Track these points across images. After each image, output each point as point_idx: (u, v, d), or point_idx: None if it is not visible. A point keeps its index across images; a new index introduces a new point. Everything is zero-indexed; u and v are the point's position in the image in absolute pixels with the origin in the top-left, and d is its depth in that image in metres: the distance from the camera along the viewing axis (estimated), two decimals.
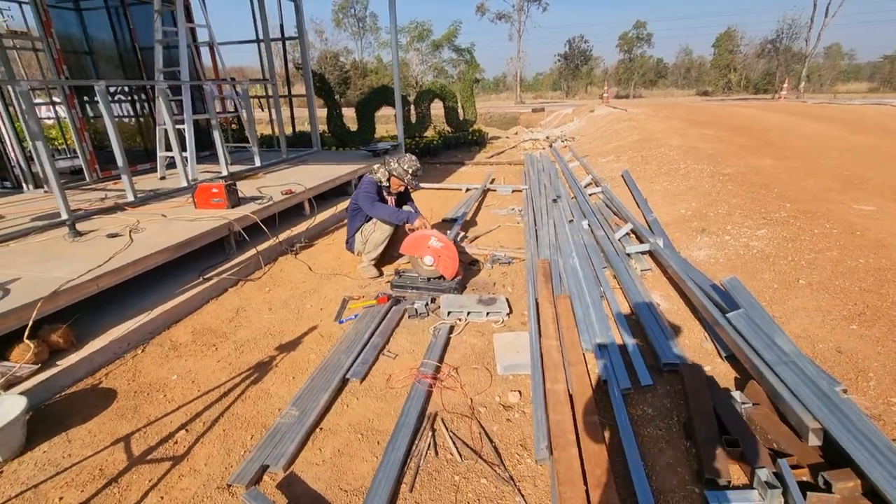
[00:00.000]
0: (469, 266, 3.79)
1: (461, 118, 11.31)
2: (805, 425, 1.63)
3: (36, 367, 2.27)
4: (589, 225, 4.58)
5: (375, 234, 3.47)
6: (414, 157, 3.44)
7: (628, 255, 3.81)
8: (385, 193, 3.57)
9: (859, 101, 21.02)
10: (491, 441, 1.96)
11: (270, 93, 7.28)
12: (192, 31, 6.47)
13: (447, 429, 2.01)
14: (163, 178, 5.73)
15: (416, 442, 1.93)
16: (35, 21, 5.29)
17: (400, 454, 1.82)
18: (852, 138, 7.84)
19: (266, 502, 1.60)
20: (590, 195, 5.90)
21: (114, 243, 3.26)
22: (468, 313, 2.94)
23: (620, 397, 2.10)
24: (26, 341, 2.25)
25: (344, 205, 5.04)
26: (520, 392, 2.24)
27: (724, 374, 2.31)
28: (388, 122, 14.15)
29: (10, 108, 5.06)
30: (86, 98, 6.02)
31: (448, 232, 4.38)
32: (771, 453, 1.69)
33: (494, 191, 6.61)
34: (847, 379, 2.08)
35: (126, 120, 7.20)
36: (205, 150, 7.31)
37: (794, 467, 1.59)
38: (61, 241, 3.37)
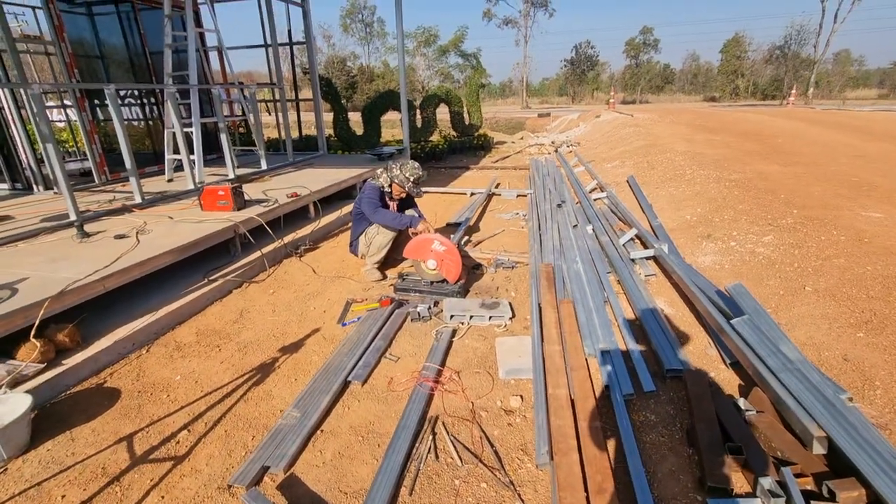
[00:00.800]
0: (472, 270, 3.79)
1: (467, 123, 11.34)
2: (809, 433, 1.62)
3: (42, 365, 2.30)
4: (593, 230, 4.56)
5: (378, 237, 3.49)
6: (417, 165, 3.45)
7: (633, 260, 3.79)
8: (387, 199, 3.58)
9: (868, 107, 20.88)
10: (492, 445, 1.95)
11: (277, 97, 7.35)
12: (201, 36, 6.56)
13: (448, 432, 2.01)
14: (170, 180, 5.79)
15: (417, 445, 1.93)
16: (48, 26, 5.39)
17: (400, 457, 1.82)
18: (861, 145, 7.78)
19: (266, 503, 1.60)
20: (595, 200, 5.89)
21: (121, 244, 3.29)
22: (471, 317, 2.93)
23: (623, 403, 2.09)
24: (33, 340, 2.27)
25: (348, 208, 5.06)
26: (521, 397, 2.23)
27: (728, 380, 2.29)
28: (394, 126, 14.21)
29: (23, 111, 5.14)
30: (96, 101, 6.10)
31: (451, 236, 4.38)
32: (774, 461, 1.67)
33: (499, 195, 6.62)
34: (853, 387, 2.05)
35: (135, 123, 7.29)
36: (212, 152, 7.37)
37: (797, 476, 1.57)
38: (69, 242, 3.41)
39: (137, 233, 3.57)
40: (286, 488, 1.74)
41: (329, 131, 9.55)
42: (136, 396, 2.28)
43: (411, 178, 3.41)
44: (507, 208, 5.96)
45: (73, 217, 3.71)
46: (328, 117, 9.45)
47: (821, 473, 1.60)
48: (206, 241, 3.60)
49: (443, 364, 2.50)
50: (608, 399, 2.16)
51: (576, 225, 4.71)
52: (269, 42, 7.21)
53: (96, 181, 5.70)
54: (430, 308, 3.04)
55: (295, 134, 9.23)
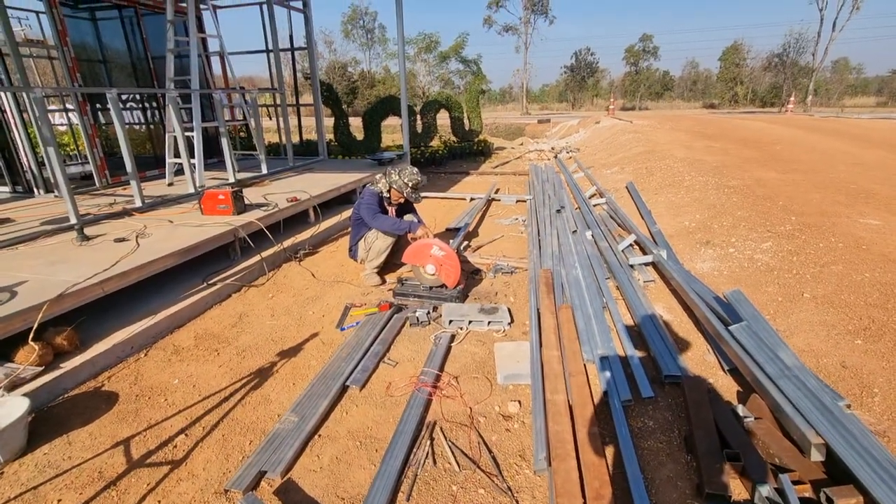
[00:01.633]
0: (471, 275, 3.79)
1: (467, 128, 11.38)
2: (807, 440, 1.61)
3: (40, 369, 2.29)
4: (592, 236, 4.58)
5: (378, 242, 3.49)
6: (416, 170, 3.47)
7: (631, 266, 3.80)
8: (386, 204, 3.60)
9: (867, 115, 20.96)
10: (490, 451, 1.95)
11: (278, 102, 7.38)
12: (204, 41, 6.58)
13: (446, 438, 2.01)
14: (171, 184, 5.80)
15: (415, 451, 1.93)
16: (51, 30, 5.41)
17: (398, 463, 1.81)
18: (859, 152, 7.81)
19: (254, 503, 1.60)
20: (594, 206, 5.90)
21: (120, 248, 3.30)
22: (470, 322, 2.94)
23: (621, 409, 2.09)
24: (31, 343, 2.27)
25: (348, 212, 5.06)
26: (519, 402, 2.23)
27: (726, 387, 2.29)
28: (394, 131, 14.25)
29: (25, 115, 5.15)
30: (98, 105, 6.13)
31: (451, 241, 4.39)
32: (773, 468, 1.67)
33: (499, 201, 6.63)
34: (851, 394, 2.05)
35: (137, 127, 7.32)
36: (213, 157, 7.40)
37: (795, 483, 1.57)
38: (69, 245, 3.41)
39: (137, 236, 3.57)
40: (283, 493, 1.73)
41: (330, 136, 9.58)
42: (133, 400, 2.28)
43: (410, 184, 3.42)
44: (506, 214, 5.97)
45: (73, 220, 3.72)
46: (329, 122, 9.49)
47: (819, 481, 1.60)
48: (206, 244, 3.61)
49: (441, 369, 2.50)
50: (606, 405, 2.16)
51: (575, 231, 4.72)
52: (270, 47, 7.25)
53: (97, 185, 5.71)
54: (428, 313, 3.04)
55: (296, 139, 9.25)
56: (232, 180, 5.70)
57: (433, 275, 3.28)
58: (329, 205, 5.58)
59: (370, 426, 2.09)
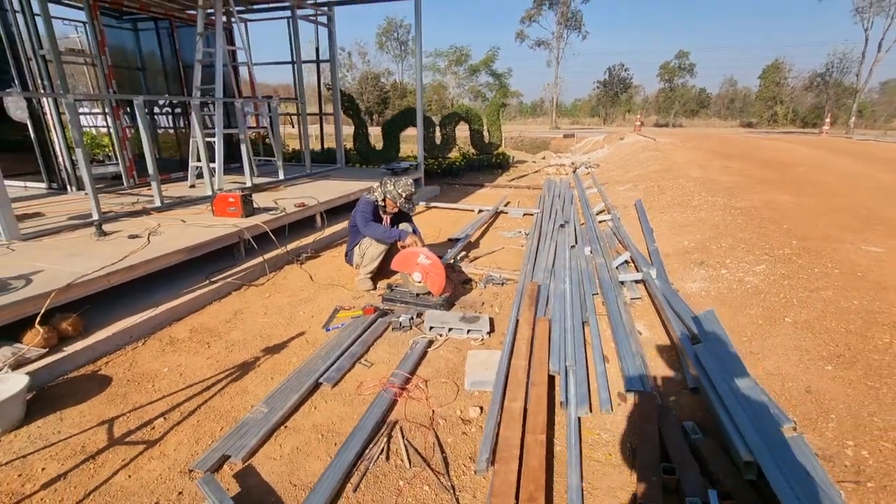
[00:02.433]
0: (462, 284, 3.89)
1: (486, 141, 11.52)
2: (740, 458, 1.64)
3: (44, 351, 2.51)
4: (591, 252, 4.60)
5: (371, 249, 3.64)
6: (409, 181, 3.61)
7: (622, 283, 3.82)
8: (381, 213, 3.75)
9: None
10: (443, 452, 2.03)
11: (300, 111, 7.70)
12: (232, 53, 6.97)
13: (403, 437, 2.10)
14: (192, 186, 6.13)
15: (371, 447, 2.03)
16: (91, 40, 5.85)
17: (351, 455, 1.92)
18: (884, 177, 7.55)
19: (217, 487, 1.73)
20: (599, 222, 5.92)
21: (132, 244, 3.55)
22: (449, 329, 3.03)
23: (575, 419, 2.14)
24: (37, 327, 2.50)
25: None
26: (481, 408, 2.31)
27: (689, 405, 2.30)
28: (413, 141, 14.52)
29: (63, 117, 5.58)
30: (127, 110, 6.55)
31: (449, 251, 4.50)
32: (709, 485, 1.70)
33: (506, 213, 6.71)
34: (808, 418, 2.05)
35: (168, 131, 7.78)
36: (235, 161, 7.75)
37: (725, 499, 1.60)
38: (88, 240, 3.69)
39: (150, 234, 3.83)
40: (241, 477, 1.86)
41: (350, 145, 9.88)
42: (124, 385, 2.47)
43: (403, 194, 3.56)
44: (511, 226, 6.04)
45: (94, 217, 4.01)
46: (350, 131, 9.79)
47: (753, 501, 1.62)
48: (212, 244, 3.83)
49: (412, 372, 2.60)
50: (564, 415, 2.22)
51: (573, 246, 4.76)
52: (294, 59, 7.58)
53: (125, 184, 6.09)
54: (411, 318, 3.15)
55: (318, 146, 9.59)
56: (249, 184, 5.98)
57: (420, 282, 3.39)
58: (337, 211, 5.77)
59: (335, 422, 2.21)
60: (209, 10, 6.06)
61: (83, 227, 4.00)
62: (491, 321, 3.17)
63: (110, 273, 2.98)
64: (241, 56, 7.27)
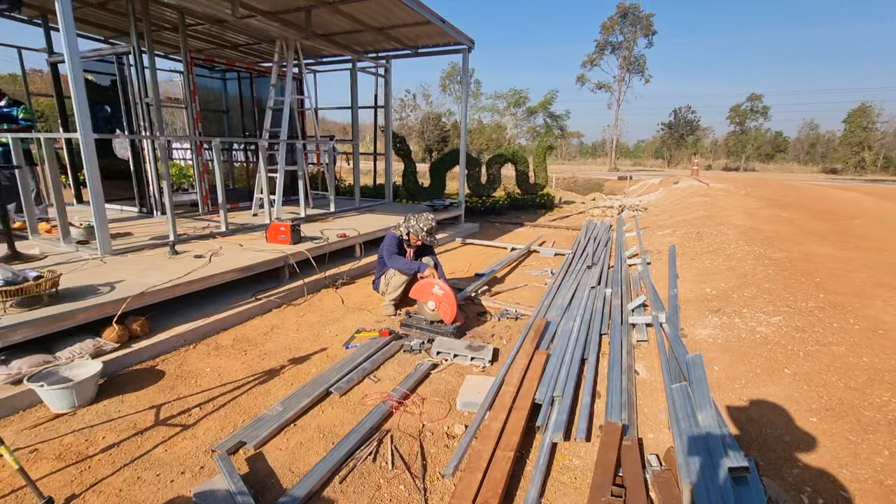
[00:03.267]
0: (477, 316, 4.16)
1: (531, 181, 11.85)
2: (678, 490, 1.78)
3: (117, 345, 3.07)
4: (611, 293, 4.72)
5: (395, 279, 4.02)
6: (430, 217, 4.00)
7: (632, 325, 3.93)
8: (406, 246, 4.14)
9: None
10: (423, 460, 2.29)
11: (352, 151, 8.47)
12: (300, 101, 7.90)
13: (392, 443, 2.39)
14: (255, 214, 6.91)
15: (362, 448, 2.33)
16: (185, 89, 6.91)
17: (342, 453, 2.23)
18: None
19: (229, 464, 2.09)
20: (629, 265, 5.98)
21: (196, 262, 4.17)
22: (455, 355, 3.30)
23: (549, 443, 2.33)
24: (114, 325, 3.07)
25: None
26: (466, 426, 2.54)
27: (666, 441, 2.41)
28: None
29: (156, 153, 6.59)
30: (206, 146, 7.55)
31: (472, 284, 4.80)
32: None
33: (538, 252, 6.92)
34: (773, 464, 2.11)
35: (243, 165, 8.81)
36: (295, 194, 8.59)
37: None
38: (163, 257, 4.37)
39: (211, 254, 4.46)
40: (251, 460, 2.22)
41: (401, 181, 10.57)
42: (173, 379, 2.95)
43: (424, 229, 3.95)
44: (541, 265, 6.24)
45: (171, 238, 4.73)
46: (400, 168, 10.50)
47: None
48: (261, 266, 4.39)
49: (412, 390, 2.89)
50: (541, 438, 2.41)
51: (594, 286, 4.89)
52: (352, 105, 8.42)
53: (200, 211, 6.99)
54: (422, 343, 3.46)
55: (370, 181, 10.36)
56: (302, 215, 6.67)
57: (433, 310, 3.71)
58: (377, 242, 6.26)
59: (336, 425, 2.54)
60: (283, 64, 6.98)
61: (161, 247, 4.71)
62: (495, 351, 3.41)
63: (175, 286, 3.56)
64: (307, 103, 8.21)
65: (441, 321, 3.72)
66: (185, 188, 9.96)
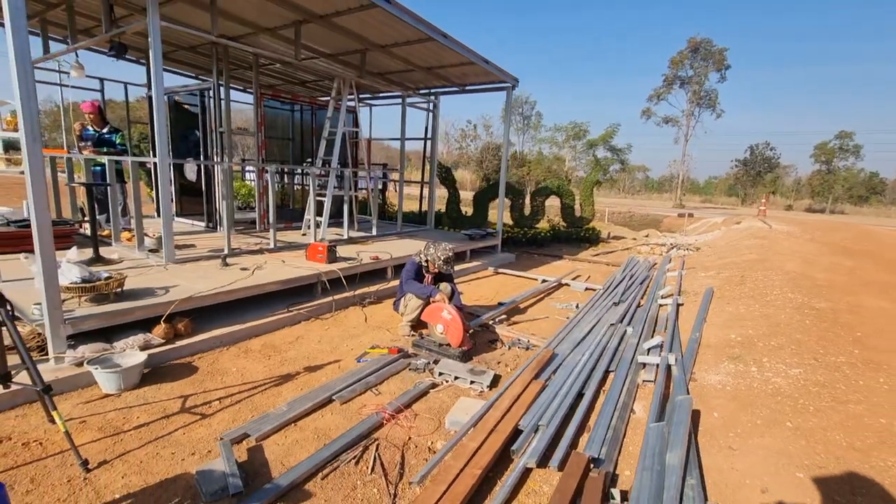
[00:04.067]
0: (489, 343, 4.30)
1: (577, 215, 11.80)
2: None
3: (163, 341, 3.54)
4: (631, 332, 4.68)
5: (412, 302, 4.28)
6: (449, 247, 4.25)
7: (642, 364, 3.90)
8: (425, 272, 4.41)
9: None
10: (402, 469, 2.47)
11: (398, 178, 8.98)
12: (354, 132, 8.57)
13: (377, 450, 2.59)
14: (303, 234, 7.51)
15: (348, 451, 2.56)
16: (253, 119, 7.77)
17: (328, 453, 2.47)
18: None
19: (229, 451, 2.40)
20: (660, 305, 5.86)
21: (241, 273, 4.67)
22: (455, 377, 3.47)
23: (521, 467, 2.43)
24: (163, 323, 3.55)
25: None
26: None
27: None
28: (505, 209, 15.27)
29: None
30: (267, 170, 8.33)
31: (490, 312, 4.96)
32: None
33: (568, 286, 6.93)
34: None
35: (300, 188, 9.60)
36: (343, 216, 9.21)
37: None
38: (215, 268, 4.93)
39: (256, 268, 4.97)
40: (251, 451, 2.52)
41: (444, 209, 10.96)
42: (204, 375, 3.36)
43: (441, 258, 4.20)
44: (568, 299, 6.25)
45: (225, 251, 5.32)
46: (445, 195, 10.90)
47: None
48: (296, 281, 4.83)
49: (407, 405, 3.09)
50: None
51: (613, 324, 4.87)
52: (401, 137, 8.98)
53: (257, 228, 7.71)
54: (427, 363, 3.67)
55: (415, 207, 10.84)
56: (345, 237, 7.17)
57: (442, 333, 3.91)
58: None
59: (331, 429, 2.79)
60: (339, 99, 7.67)
61: (216, 258, 5.30)
62: (496, 377, 3.54)
63: (217, 293, 4.04)
64: (359, 134, 8.86)
65: (449, 344, 3.90)
66: (252, 206, 10.96)
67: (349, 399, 3.12)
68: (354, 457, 2.52)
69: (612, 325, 4.87)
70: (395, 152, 10.72)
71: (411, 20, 5.41)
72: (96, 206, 5.23)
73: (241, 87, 9.50)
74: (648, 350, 4.19)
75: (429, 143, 9.43)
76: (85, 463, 2.25)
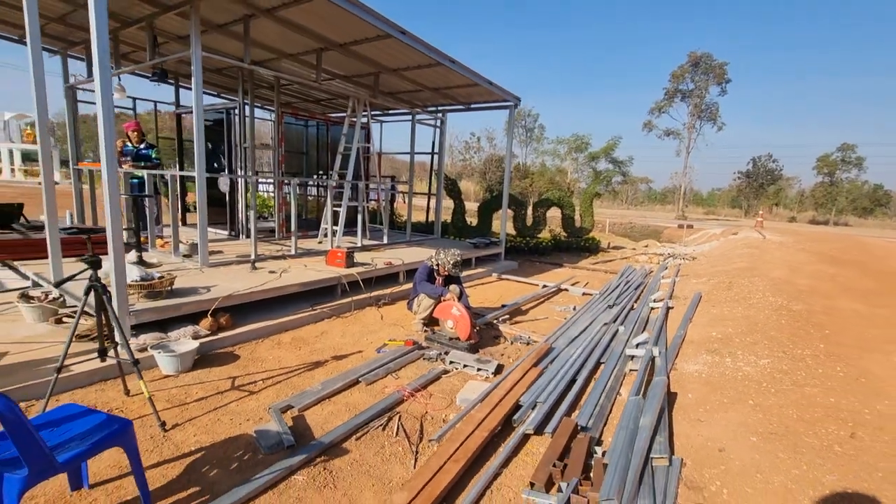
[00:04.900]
0: (493, 339, 4.79)
1: (577, 226, 12.31)
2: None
3: (209, 332, 4.05)
4: (623, 330, 5.16)
5: (424, 301, 4.78)
6: (457, 252, 4.77)
7: (630, 357, 4.37)
8: (436, 275, 4.92)
9: None
10: (421, 433, 2.96)
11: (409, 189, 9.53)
12: (367, 148, 9.15)
13: (399, 420, 3.08)
14: (320, 242, 8.05)
15: (375, 420, 3.05)
16: (274, 135, 8.36)
17: (359, 421, 2.96)
18: None
19: (279, 417, 2.89)
20: (652, 308, 6.33)
21: (269, 276, 5.19)
22: (464, 365, 3.96)
23: (521, 434, 2.91)
24: (209, 317, 4.06)
25: None
26: None
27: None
28: (509, 219, 15.80)
29: (247, 187, 7.98)
30: (289, 182, 8.90)
31: (493, 312, 5.45)
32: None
33: (567, 291, 7.41)
34: (700, 463, 2.56)
35: (315, 199, 10.16)
36: (356, 226, 9.74)
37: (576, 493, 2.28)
38: (245, 271, 5.45)
39: (282, 271, 5.49)
40: (295, 419, 3.01)
41: (450, 219, 11.49)
42: (246, 361, 3.86)
43: (450, 262, 4.72)
44: (566, 302, 6.73)
45: (252, 257, 5.85)
46: (451, 206, 11.45)
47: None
48: (319, 283, 5.34)
49: (423, 386, 3.58)
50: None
51: (606, 323, 5.35)
52: (410, 151, 9.56)
53: (276, 236, 8.25)
54: (439, 354, 4.15)
55: (422, 218, 11.38)
56: (359, 245, 7.69)
57: (452, 328, 4.41)
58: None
59: (360, 404, 3.27)
60: (353, 116, 8.25)
61: (244, 263, 5.83)
62: (499, 366, 4.02)
63: (252, 292, 4.56)
64: (371, 149, 9.44)
65: (458, 338, 4.39)
66: (266, 216, 11.53)
67: (373, 381, 3.61)
68: (381, 424, 3.01)
69: (605, 324, 5.35)
70: (399, 164, 11.24)
71: (423, 48, 5.99)
72: (140, 216, 5.79)
73: (259, 105, 10.12)
74: (637, 345, 4.67)
75: (436, 157, 9.99)
76: (163, 424, 2.75)
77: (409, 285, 6.41)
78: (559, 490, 2.34)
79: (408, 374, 3.83)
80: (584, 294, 7.20)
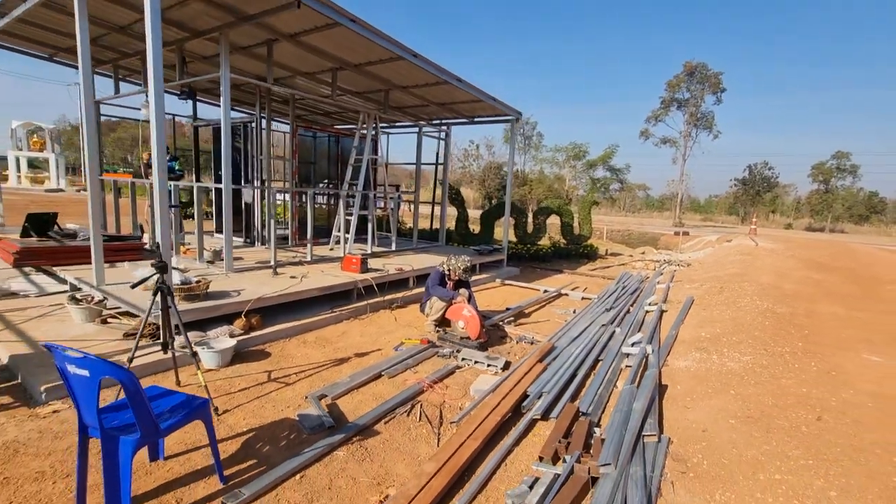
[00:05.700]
0: (500, 338, 5.19)
1: (576, 233, 12.75)
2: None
3: (242, 332, 4.45)
4: (619, 331, 5.56)
5: (436, 304, 5.19)
6: (468, 259, 5.18)
7: (626, 354, 4.78)
8: (447, 280, 5.33)
9: None
10: (441, 418, 3.35)
11: (415, 199, 9.95)
12: (374, 159, 9.59)
13: (421, 407, 3.48)
14: (331, 248, 8.45)
15: (400, 407, 3.44)
16: (288, 147, 8.79)
17: (387, 407, 3.35)
18: None
19: (317, 403, 3.29)
20: (646, 311, 6.74)
21: (291, 281, 5.59)
22: (475, 361, 4.36)
23: (529, 419, 3.31)
24: (242, 318, 4.46)
25: None
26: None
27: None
28: (509, 226, 16.25)
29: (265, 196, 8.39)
30: (305, 192, 9.32)
31: (498, 315, 5.85)
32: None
33: (567, 295, 7.82)
34: (684, 440, 2.96)
35: (326, 207, 10.59)
36: (365, 233, 10.16)
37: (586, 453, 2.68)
38: (268, 276, 5.85)
39: (302, 276, 5.89)
40: (330, 406, 3.40)
41: (454, 227, 11.92)
42: (277, 357, 4.25)
43: (461, 268, 5.13)
44: (566, 306, 7.14)
45: (272, 263, 6.25)
46: (455, 214, 11.88)
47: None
48: (337, 287, 5.74)
49: (440, 379, 3.97)
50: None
51: (604, 324, 5.76)
52: (416, 162, 10.00)
53: (289, 243, 8.66)
54: (451, 352, 4.55)
55: (427, 225, 11.81)
56: (369, 251, 8.10)
57: (463, 328, 4.81)
58: (426, 276, 7.49)
59: (385, 394, 3.67)
60: (363, 130, 8.70)
61: (264, 269, 6.24)
62: (507, 363, 4.42)
63: (279, 295, 4.96)
64: (380, 160, 9.88)
65: (468, 337, 4.80)
66: (279, 224, 11.93)
67: (394, 375, 4.01)
68: (405, 411, 3.41)
69: (603, 325, 5.76)
70: (401, 172, 11.62)
71: (433, 69, 6.45)
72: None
73: (274, 118, 10.57)
74: (632, 344, 5.07)
75: (440, 167, 10.43)
76: (216, 409, 3.14)
77: (419, 290, 6.83)
78: (564, 461, 2.74)
79: (425, 369, 4.22)
80: (583, 298, 7.61)
